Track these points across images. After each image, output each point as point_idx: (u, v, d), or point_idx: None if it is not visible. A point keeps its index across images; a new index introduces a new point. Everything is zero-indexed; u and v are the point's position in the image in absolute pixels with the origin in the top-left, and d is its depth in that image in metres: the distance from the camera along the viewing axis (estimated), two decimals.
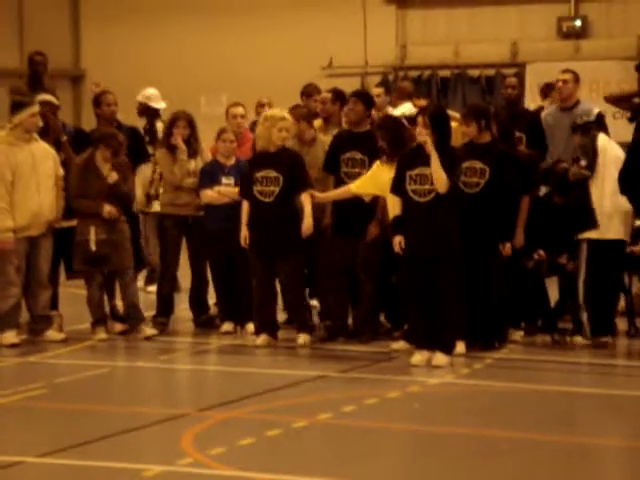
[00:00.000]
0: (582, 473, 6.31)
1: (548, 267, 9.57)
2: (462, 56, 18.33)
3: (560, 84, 10.72)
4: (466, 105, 12.73)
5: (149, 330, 9.95)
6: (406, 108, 10.19)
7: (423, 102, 10.48)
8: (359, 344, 9.48)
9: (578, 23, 17.81)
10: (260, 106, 11.82)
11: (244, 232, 9.48)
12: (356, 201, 9.48)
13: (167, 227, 10.19)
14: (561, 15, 17.93)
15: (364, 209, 9.48)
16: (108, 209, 9.71)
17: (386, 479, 6.08)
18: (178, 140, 10.08)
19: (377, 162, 9.36)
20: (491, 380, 8.38)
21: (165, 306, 10.30)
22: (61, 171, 9.88)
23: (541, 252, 9.43)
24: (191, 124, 10.20)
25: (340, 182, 9.63)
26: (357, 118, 9.75)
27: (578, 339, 9.46)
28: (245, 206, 9.52)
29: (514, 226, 9.36)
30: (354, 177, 9.55)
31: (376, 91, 11.61)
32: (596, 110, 10.13)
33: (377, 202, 9.47)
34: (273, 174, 9.41)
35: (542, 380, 8.55)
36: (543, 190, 9.59)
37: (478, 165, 9.18)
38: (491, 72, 18.10)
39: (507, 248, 9.28)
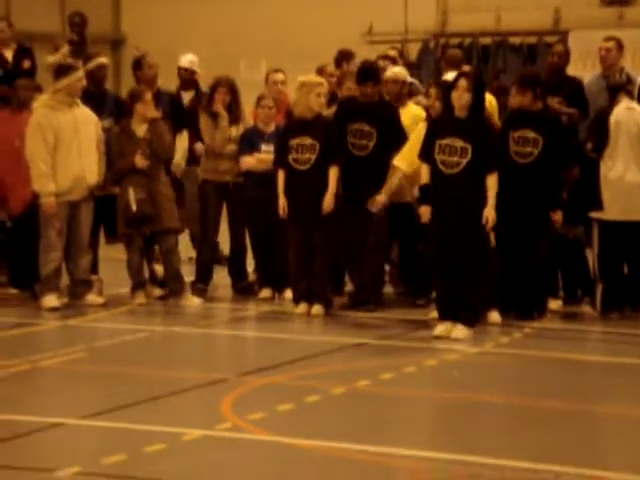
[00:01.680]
0: (617, 442, 6.29)
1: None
2: (503, 23, 18.16)
3: (603, 52, 10.56)
4: (510, 73, 12.60)
5: (195, 299, 9.97)
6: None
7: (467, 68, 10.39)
8: (366, 312, 9.45)
9: None
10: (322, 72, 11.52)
11: (282, 201, 9.41)
12: (366, 171, 9.38)
13: (207, 194, 10.20)
14: None
15: (374, 178, 9.38)
16: (140, 159, 9.67)
17: (424, 446, 6.08)
18: (219, 107, 10.06)
19: (417, 129, 9.26)
20: (530, 349, 8.36)
21: (204, 272, 10.33)
22: (102, 136, 9.91)
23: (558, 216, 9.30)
24: (233, 90, 10.18)
25: (347, 152, 9.48)
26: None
27: (588, 310, 9.47)
28: (281, 175, 9.46)
29: (562, 194, 9.30)
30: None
31: (392, 53, 11.43)
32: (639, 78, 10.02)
33: (387, 171, 9.40)
34: (309, 141, 9.35)
35: (580, 350, 8.53)
36: None
37: (531, 135, 9.10)
38: (533, 40, 17.93)
39: (558, 216, 9.23)
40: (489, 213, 8.42)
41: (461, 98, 8.49)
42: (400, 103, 9.83)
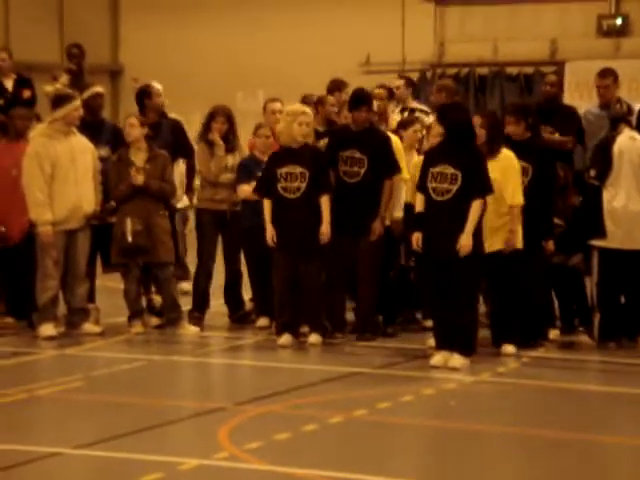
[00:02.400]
0: (613, 473, 6.27)
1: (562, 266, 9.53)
2: (500, 54, 18.25)
3: (602, 90, 10.60)
4: (505, 104, 12.65)
5: (193, 328, 9.97)
6: None
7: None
8: (363, 342, 9.43)
9: (619, 21, 17.69)
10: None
11: (269, 230, 9.35)
12: (357, 198, 9.41)
13: (204, 222, 10.21)
14: (601, 13, 17.82)
15: (366, 206, 9.40)
16: (135, 175, 9.69)
17: (421, 476, 6.06)
18: (215, 135, 10.09)
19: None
20: (527, 379, 8.35)
21: (201, 301, 10.32)
22: (99, 165, 9.93)
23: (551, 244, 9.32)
24: (230, 119, 10.21)
25: (338, 180, 9.51)
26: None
27: (585, 339, 9.48)
28: (267, 204, 9.41)
29: (553, 223, 9.33)
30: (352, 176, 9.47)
31: (396, 83, 11.52)
32: (637, 107, 10.07)
33: (380, 198, 9.43)
34: (298, 170, 9.33)
35: (578, 379, 8.50)
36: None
37: (522, 164, 9.13)
38: (530, 70, 18.02)
39: (550, 245, 9.24)
40: (464, 240, 8.43)
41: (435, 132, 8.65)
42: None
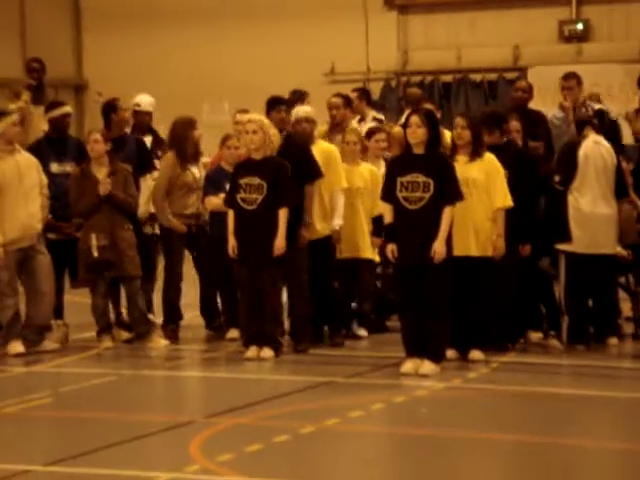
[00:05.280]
0: (583, 476, 6.29)
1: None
2: (464, 61, 18.34)
3: (565, 92, 10.69)
4: (470, 110, 12.68)
5: (162, 341, 9.94)
6: None
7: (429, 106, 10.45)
8: (298, 353, 9.43)
9: (580, 26, 17.81)
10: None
11: (231, 242, 9.28)
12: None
13: (172, 235, 10.17)
14: (563, 18, 17.93)
15: (291, 212, 9.31)
16: (103, 185, 9.65)
17: None
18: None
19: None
20: (497, 384, 8.37)
21: (173, 313, 10.28)
22: (44, 179, 9.81)
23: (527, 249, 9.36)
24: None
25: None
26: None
27: (554, 343, 9.50)
28: (231, 215, 9.36)
29: (531, 227, 9.35)
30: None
31: (351, 95, 11.50)
32: (597, 107, 10.18)
33: (303, 206, 9.43)
34: (257, 181, 9.26)
35: (547, 383, 8.53)
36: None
37: None
38: (493, 76, 18.12)
39: (527, 249, 9.28)
40: (438, 247, 8.45)
41: (415, 134, 8.55)
42: (312, 141, 9.83)
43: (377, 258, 10.15)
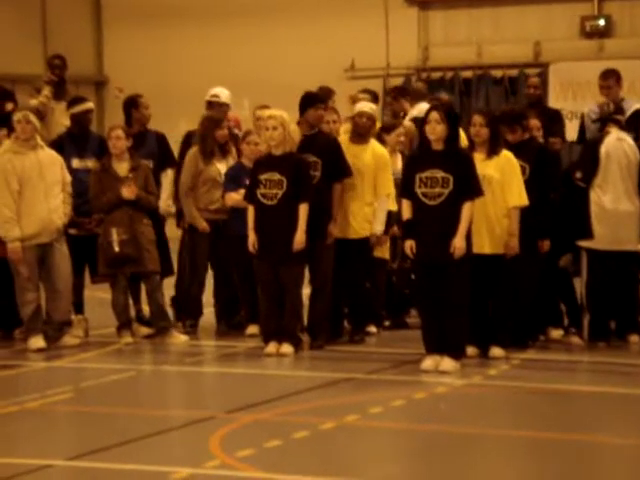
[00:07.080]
0: (604, 473, 6.27)
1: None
2: (485, 57, 18.29)
3: (605, 91, 10.56)
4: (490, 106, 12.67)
5: (182, 337, 9.96)
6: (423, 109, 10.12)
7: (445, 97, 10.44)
8: (314, 349, 9.42)
9: (601, 22, 17.73)
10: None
11: (252, 237, 9.29)
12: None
13: (195, 229, 10.18)
14: (584, 14, 17.86)
15: (319, 209, 9.33)
16: (126, 190, 9.69)
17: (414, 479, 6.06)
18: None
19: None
20: (517, 381, 8.34)
21: (194, 308, 10.30)
22: (68, 177, 9.86)
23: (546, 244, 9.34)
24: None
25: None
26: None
27: (575, 339, 9.47)
28: (251, 210, 9.36)
29: (550, 222, 9.31)
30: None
31: (360, 97, 11.43)
32: (636, 106, 10.12)
33: (332, 201, 9.41)
34: (277, 177, 9.25)
35: (568, 380, 8.51)
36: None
37: (519, 163, 9.10)
38: (514, 72, 18.05)
39: (546, 244, 9.25)
40: (458, 242, 8.43)
41: (435, 130, 8.52)
42: (367, 138, 9.80)
43: (387, 256, 10.15)
